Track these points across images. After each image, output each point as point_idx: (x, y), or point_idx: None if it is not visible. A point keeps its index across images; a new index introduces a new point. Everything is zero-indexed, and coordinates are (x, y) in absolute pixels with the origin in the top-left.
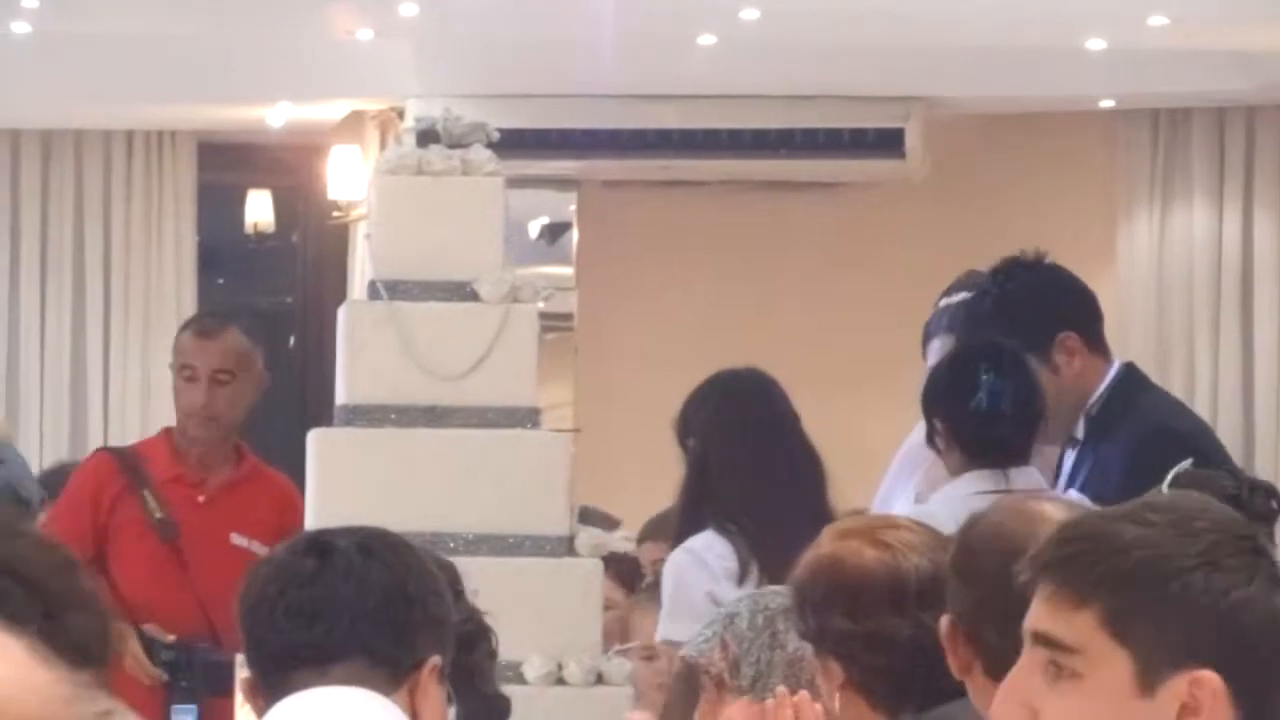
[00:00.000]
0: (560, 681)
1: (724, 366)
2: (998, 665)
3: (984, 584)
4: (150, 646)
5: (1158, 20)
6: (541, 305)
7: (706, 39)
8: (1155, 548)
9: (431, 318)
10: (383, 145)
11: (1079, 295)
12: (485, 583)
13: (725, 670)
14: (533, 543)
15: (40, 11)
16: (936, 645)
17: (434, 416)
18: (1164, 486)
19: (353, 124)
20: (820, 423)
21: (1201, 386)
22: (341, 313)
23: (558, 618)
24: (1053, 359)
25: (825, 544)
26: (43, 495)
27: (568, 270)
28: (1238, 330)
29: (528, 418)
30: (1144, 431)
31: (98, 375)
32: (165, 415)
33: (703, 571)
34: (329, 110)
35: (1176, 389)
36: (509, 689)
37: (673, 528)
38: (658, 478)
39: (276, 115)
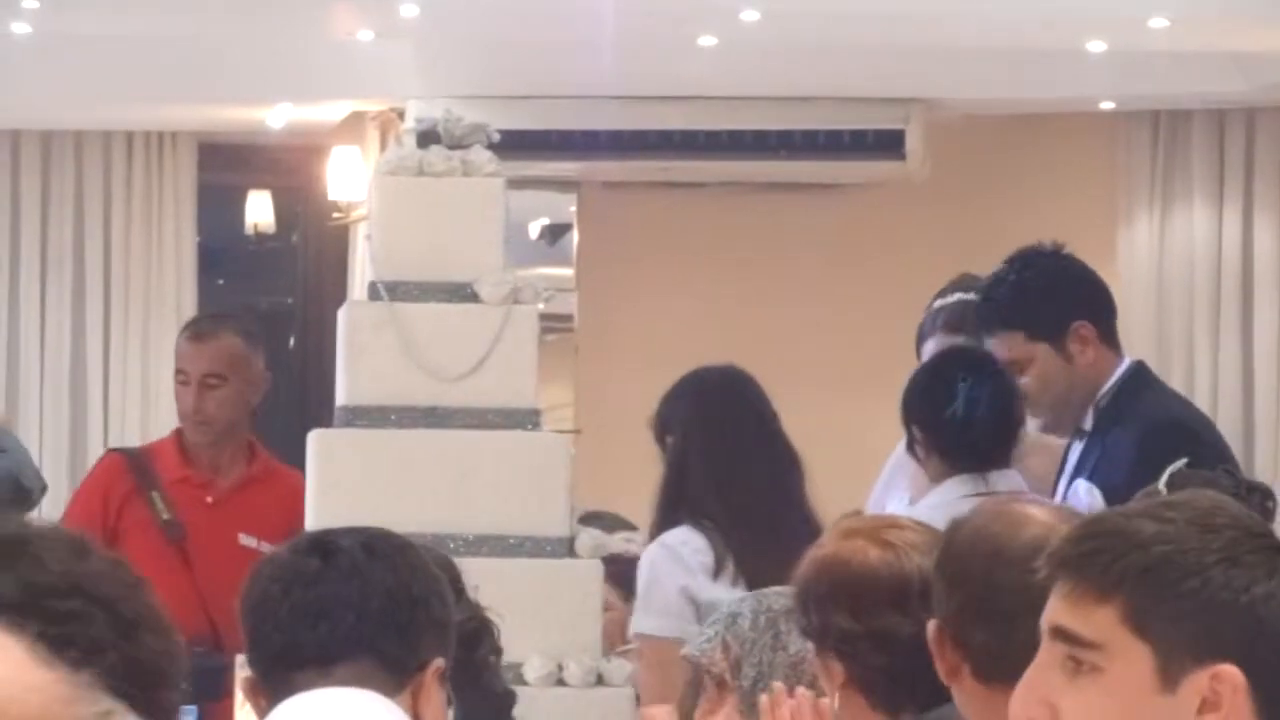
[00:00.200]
0: (560, 682)
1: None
2: (988, 667)
3: (971, 586)
4: None
5: (1158, 22)
6: (542, 306)
7: (707, 40)
8: (1176, 543)
9: (432, 319)
10: (383, 146)
11: (1095, 286)
12: (485, 584)
13: (727, 670)
14: (533, 544)
15: (40, 12)
16: None
17: (434, 417)
18: (1161, 485)
19: (353, 125)
20: (820, 423)
21: (1201, 388)
22: (342, 314)
23: (558, 619)
24: (1067, 347)
25: (829, 543)
26: (43, 485)
27: (568, 271)
28: (1238, 332)
29: (528, 419)
30: (1155, 423)
31: (98, 376)
32: (165, 416)
33: (678, 566)
34: (329, 111)
35: (1176, 390)
36: None
37: (651, 523)
38: (658, 479)
39: (277, 116)
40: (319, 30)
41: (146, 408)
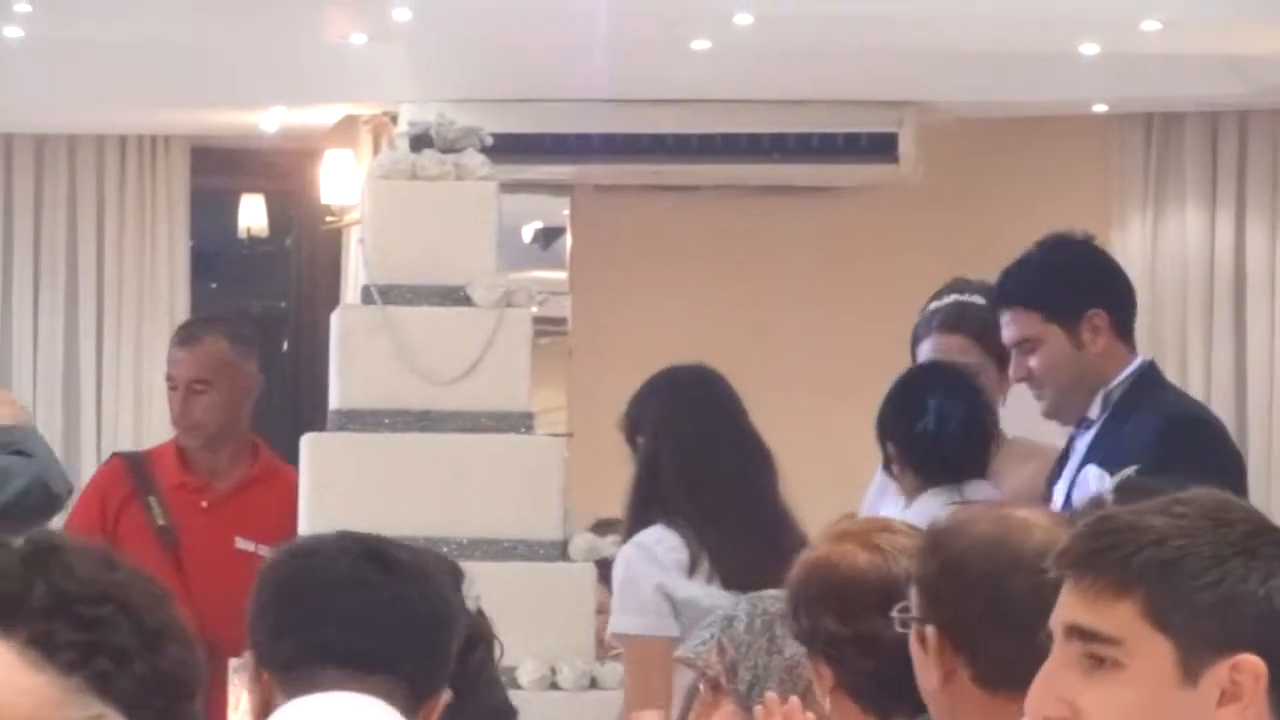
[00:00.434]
0: (554, 686)
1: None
2: (994, 674)
3: (982, 593)
4: None
5: (1151, 25)
6: (535, 310)
7: (700, 44)
8: (1194, 537)
9: (425, 322)
10: (376, 150)
11: (1117, 278)
12: (479, 587)
13: (722, 674)
14: (526, 547)
15: (33, 16)
16: None
17: (427, 421)
18: (1108, 493)
19: (346, 129)
20: (812, 426)
21: (1194, 390)
22: (335, 317)
23: (551, 622)
24: (1079, 334)
25: (820, 546)
26: (69, 486)
27: (561, 275)
28: (1230, 334)
29: (521, 422)
30: (1179, 416)
31: (91, 379)
32: (158, 419)
33: (652, 565)
34: (322, 115)
35: None
36: None
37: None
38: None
39: (270, 120)
40: (312, 34)
41: (139, 411)
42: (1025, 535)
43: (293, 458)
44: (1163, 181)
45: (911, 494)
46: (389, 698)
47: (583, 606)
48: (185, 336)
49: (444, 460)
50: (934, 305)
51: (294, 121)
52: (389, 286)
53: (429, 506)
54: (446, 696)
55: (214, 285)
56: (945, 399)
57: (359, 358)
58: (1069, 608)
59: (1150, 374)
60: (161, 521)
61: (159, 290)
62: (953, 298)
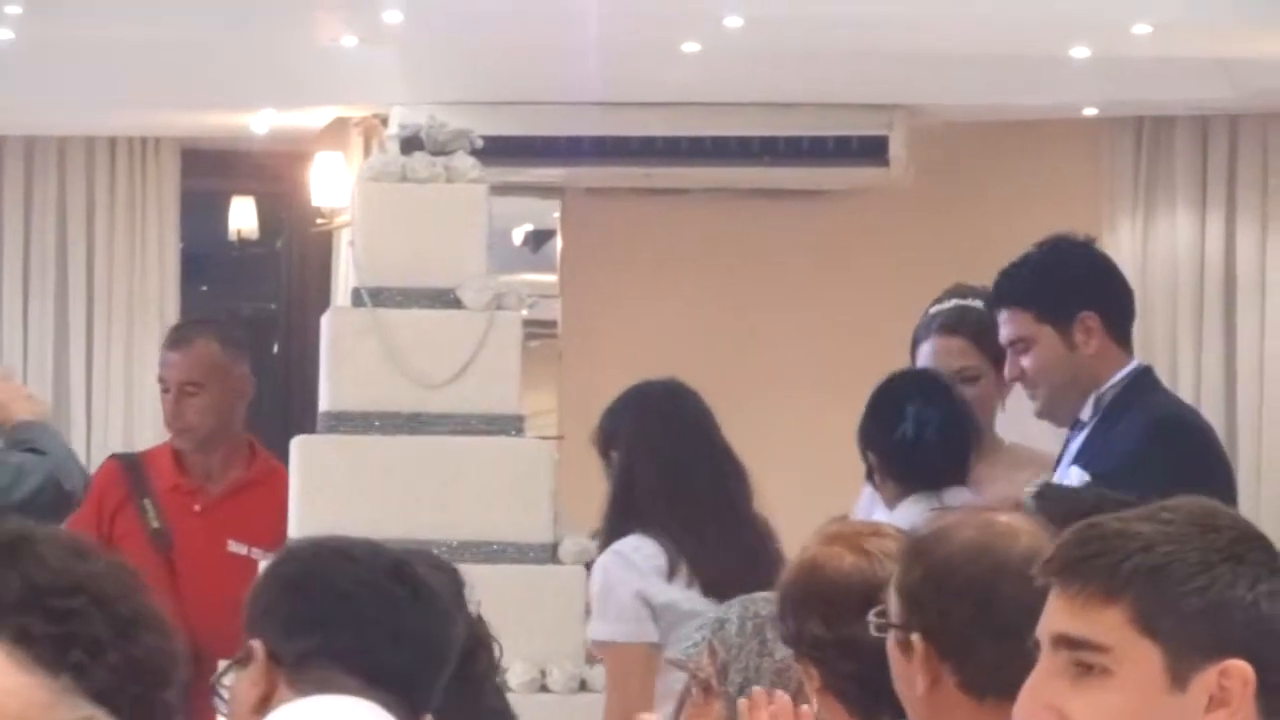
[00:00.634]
0: (544, 689)
1: (706, 373)
2: (982, 681)
3: (969, 600)
4: None
5: (1141, 28)
6: (525, 312)
7: (690, 46)
8: (1181, 543)
9: (415, 325)
10: (366, 152)
11: (1112, 281)
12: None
13: (713, 676)
14: (516, 550)
15: (23, 18)
16: None
17: (417, 423)
18: (1028, 499)
19: (336, 131)
20: (805, 428)
21: (1184, 393)
22: (325, 320)
23: (541, 624)
24: (1072, 335)
25: (810, 548)
26: (87, 479)
27: (551, 277)
28: (1220, 338)
29: (511, 425)
30: (1160, 418)
31: (80, 382)
32: (149, 422)
33: (631, 571)
34: (313, 117)
35: None
36: None
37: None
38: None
39: (260, 122)
40: (303, 36)
41: (130, 413)
42: (1011, 541)
43: (283, 460)
44: (1153, 185)
45: (892, 502)
46: (393, 710)
47: (573, 609)
48: (176, 339)
49: (434, 463)
50: (935, 309)
51: (284, 124)
52: (379, 289)
53: (419, 509)
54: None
55: (204, 287)
56: (923, 406)
57: (349, 360)
58: (1056, 616)
59: (1144, 378)
60: (155, 524)
61: (149, 292)
62: (954, 302)
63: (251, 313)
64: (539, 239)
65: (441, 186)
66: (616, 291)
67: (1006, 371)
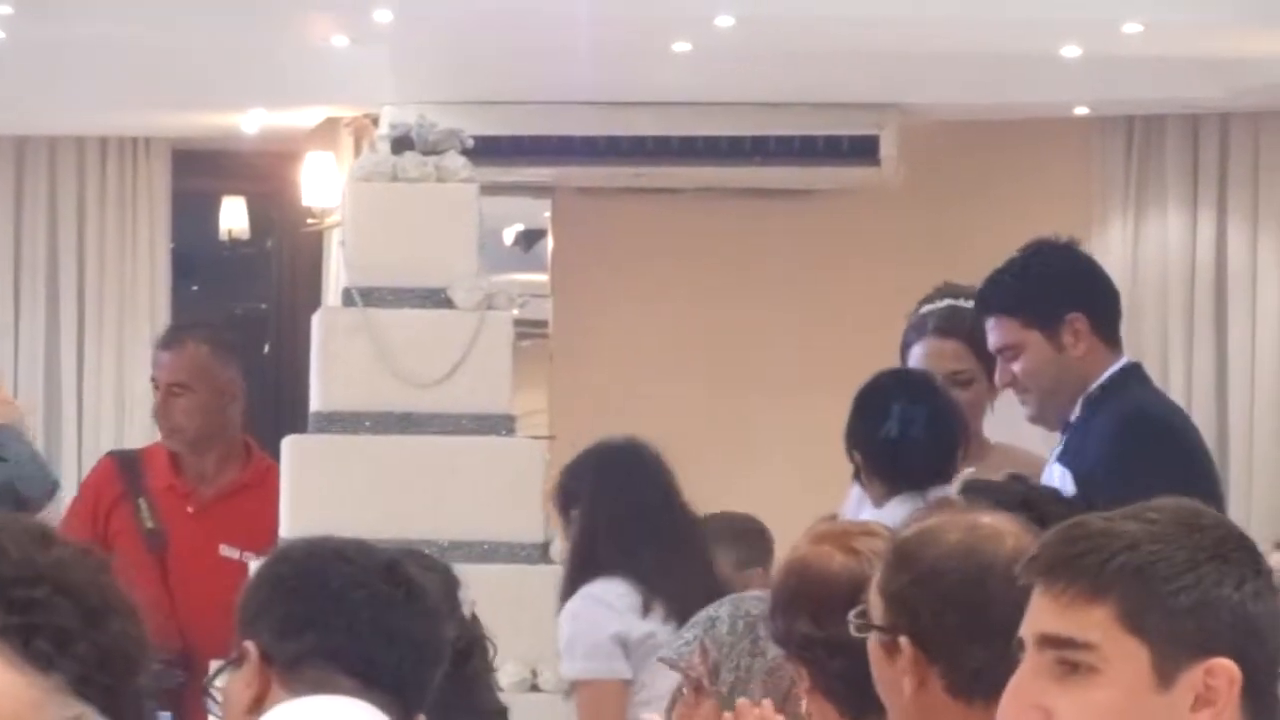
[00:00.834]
0: (534, 688)
1: (697, 372)
2: (969, 683)
3: (959, 603)
4: None
5: (1132, 28)
6: (516, 312)
7: (681, 46)
8: (1167, 542)
9: (406, 324)
10: (357, 152)
11: (1097, 282)
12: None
13: (704, 675)
14: (507, 549)
15: (15, 18)
16: None
17: (408, 423)
18: (954, 494)
19: (327, 131)
20: (794, 428)
21: (1175, 391)
22: (316, 320)
23: (532, 624)
24: (1060, 338)
25: (800, 547)
26: (52, 485)
27: (542, 277)
28: (1211, 336)
29: (502, 424)
30: (1131, 414)
31: (72, 382)
32: (140, 422)
33: (603, 610)
34: (304, 117)
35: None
36: None
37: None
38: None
39: (251, 122)
40: (293, 36)
41: (120, 414)
42: (997, 543)
43: (274, 460)
44: (1144, 184)
45: (879, 501)
46: (386, 711)
47: None
48: (168, 340)
49: (425, 462)
50: (927, 308)
51: (275, 124)
52: (370, 289)
53: (410, 508)
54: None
55: (195, 287)
56: (908, 405)
57: (340, 360)
58: (1041, 615)
59: (1128, 374)
60: (150, 524)
61: (140, 292)
62: (946, 302)
63: (242, 313)
64: (530, 239)
65: (432, 186)
66: (607, 291)
67: (998, 379)
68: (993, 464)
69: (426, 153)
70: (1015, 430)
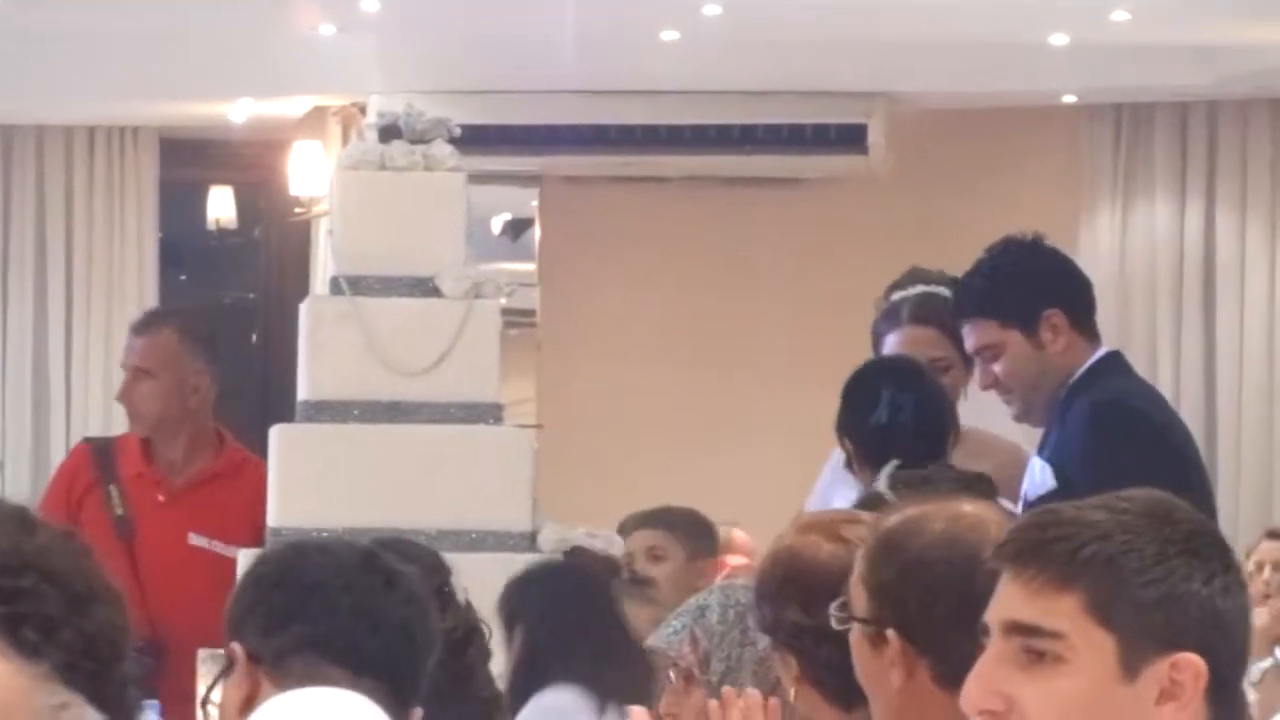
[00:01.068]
0: None
1: (684, 360)
2: (962, 671)
3: (947, 593)
4: None
5: (1120, 15)
6: (504, 301)
7: (669, 34)
8: (1138, 533)
9: (393, 313)
10: (345, 141)
11: (1069, 276)
12: None
13: (695, 664)
14: (495, 538)
15: (1, 7)
16: None
17: (396, 412)
18: (881, 485)
19: (315, 120)
20: (782, 417)
21: (1163, 382)
22: (304, 308)
23: None
24: (1038, 335)
25: (786, 536)
26: None
27: (530, 266)
28: (1200, 325)
29: (490, 413)
30: (1102, 403)
31: (60, 372)
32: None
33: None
34: (291, 106)
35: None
36: None
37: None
38: (620, 473)
39: (239, 111)
40: (281, 25)
41: (108, 403)
42: (982, 531)
43: (262, 449)
44: (1132, 172)
45: (869, 488)
46: (379, 702)
47: None
48: (139, 325)
49: (413, 451)
50: (899, 295)
51: (263, 113)
52: (358, 278)
53: (398, 497)
54: (418, 715)
55: (183, 277)
56: (897, 392)
57: (328, 349)
58: (1009, 602)
59: (1106, 363)
60: (120, 512)
61: (128, 282)
62: (919, 288)
63: (230, 302)
64: (517, 227)
65: (420, 175)
66: (595, 280)
67: (979, 381)
68: (968, 450)
69: (414, 142)
70: (988, 418)
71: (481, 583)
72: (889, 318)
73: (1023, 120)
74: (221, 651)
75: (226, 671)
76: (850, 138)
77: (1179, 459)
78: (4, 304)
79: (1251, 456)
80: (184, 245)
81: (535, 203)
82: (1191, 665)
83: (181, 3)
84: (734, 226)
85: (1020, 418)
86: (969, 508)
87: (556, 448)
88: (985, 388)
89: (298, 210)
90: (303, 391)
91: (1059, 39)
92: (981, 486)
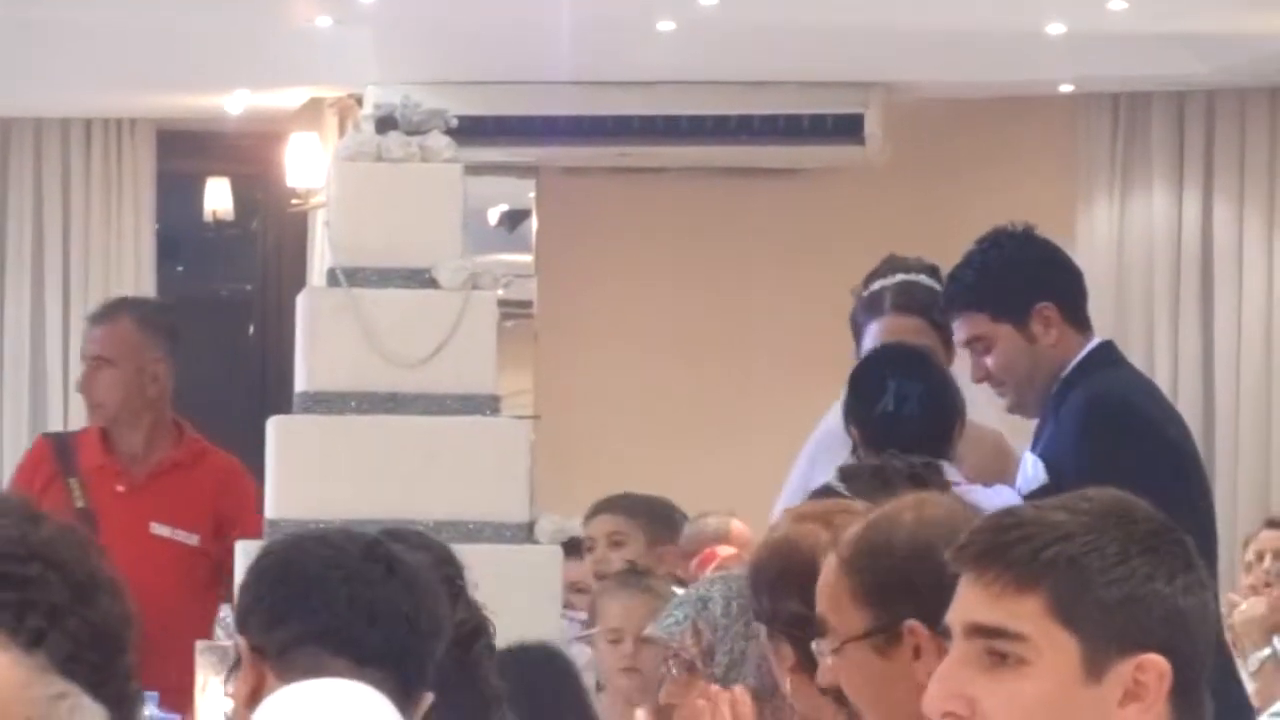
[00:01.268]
0: None
1: (681, 351)
2: None
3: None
4: None
5: (1117, 4)
6: (501, 292)
7: (665, 25)
8: (1099, 534)
9: (390, 305)
10: (341, 132)
11: (1060, 268)
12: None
13: (699, 657)
14: (492, 529)
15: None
16: None
17: (393, 403)
18: (833, 480)
19: (311, 111)
20: (778, 406)
21: (1161, 371)
22: (301, 300)
23: (518, 604)
24: (1030, 328)
25: (782, 527)
26: None
27: (527, 257)
28: (1197, 314)
29: (487, 404)
30: (1088, 397)
31: (57, 364)
32: None
33: None
34: (288, 98)
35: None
36: None
37: None
38: (617, 464)
39: (235, 103)
40: (278, 17)
41: None
42: (945, 508)
43: (259, 440)
44: (1129, 162)
45: None
46: (384, 692)
47: (549, 588)
48: (98, 315)
49: (410, 442)
50: (880, 284)
51: (259, 104)
52: (354, 269)
53: (395, 488)
54: (429, 700)
55: (180, 268)
56: (904, 380)
57: (325, 340)
58: (970, 604)
59: (1100, 354)
60: (80, 504)
61: (125, 273)
62: (899, 277)
63: (227, 293)
64: (514, 219)
65: (417, 166)
66: (592, 271)
67: (972, 374)
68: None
69: (411, 133)
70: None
71: (478, 574)
72: (871, 307)
73: (1020, 110)
74: (218, 643)
75: (235, 665)
76: (847, 128)
77: (1173, 451)
78: (1, 295)
79: (1249, 446)
80: (181, 237)
81: (532, 194)
82: (1155, 666)
83: None
84: (731, 217)
85: (1014, 409)
86: (918, 496)
87: (553, 439)
88: (978, 380)
89: (294, 202)
90: (300, 383)
91: (1056, 28)
92: (930, 474)
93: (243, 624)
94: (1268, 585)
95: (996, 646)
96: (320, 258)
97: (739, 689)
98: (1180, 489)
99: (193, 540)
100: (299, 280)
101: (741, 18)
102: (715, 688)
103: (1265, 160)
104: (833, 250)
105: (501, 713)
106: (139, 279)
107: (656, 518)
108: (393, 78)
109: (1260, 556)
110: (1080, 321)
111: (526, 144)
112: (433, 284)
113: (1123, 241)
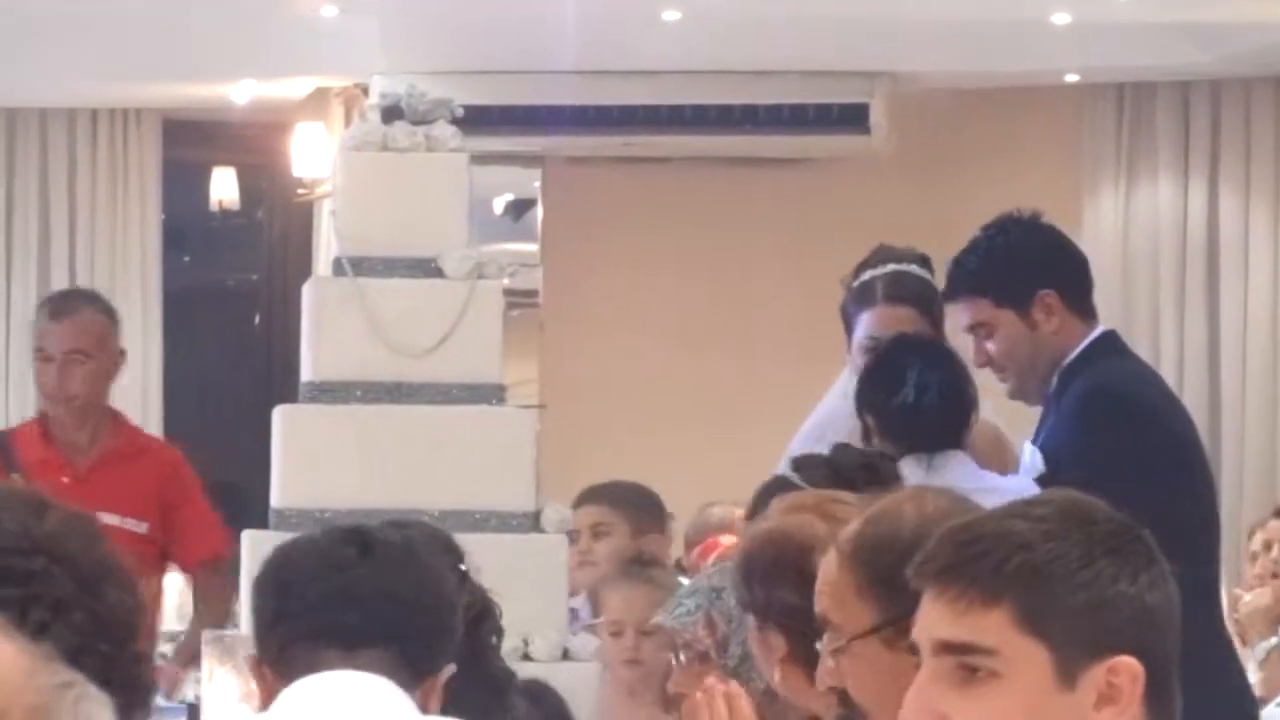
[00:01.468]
0: (526, 657)
1: (686, 340)
2: None
3: None
4: None
5: None
6: (506, 281)
7: (671, 14)
8: (1061, 539)
9: (396, 294)
10: (347, 122)
11: (1065, 255)
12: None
13: (712, 648)
14: (498, 519)
15: None
16: None
17: (399, 393)
18: (788, 471)
19: (317, 101)
20: (783, 396)
21: (1167, 361)
22: (306, 290)
23: (524, 593)
24: (1032, 315)
25: (774, 517)
26: None
27: (532, 246)
28: (1203, 304)
29: (493, 394)
30: (1093, 389)
31: None
32: (127, 392)
33: None
34: (294, 87)
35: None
36: None
37: None
38: (622, 453)
39: (241, 92)
40: (283, 6)
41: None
42: (943, 496)
43: (265, 430)
44: (1135, 152)
45: None
46: (384, 672)
47: (555, 577)
48: (58, 309)
49: (416, 432)
50: (870, 274)
51: (265, 94)
52: (360, 259)
53: (401, 478)
54: (448, 672)
55: (186, 258)
56: (924, 370)
57: (330, 330)
58: (936, 621)
59: (1102, 343)
60: None
61: (131, 264)
62: (890, 267)
63: (233, 283)
64: (520, 208)
65: (422, 156)
66: (597, 260)
67: (974, 359)
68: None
69: (416, 122)
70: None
71: (484, 563)
72: (862, 297)
73: (1025, 100)
74: (227, 631)
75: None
76: (852, 117)
77: (1176, 441)
78: (8, 285)
79: (1255, 435)
80: (187, 227)
81: (538, 183)
82: (1128, 668)
83: None
84: (736, 206)
85: (1015, 395)
86: (915, 488)
87: (559, 428)
88: (980, 365)
89: (300, 191)
90: (305, 372)
91: (1061, 18)
92: (883, 464)
93: (254, 641)
94: (1275, 575)
95: (967, 661)
96: (326, 247)
97: (735, 685)
98: (1183, 480)
99: (141, 528)
100: (305, 270)
101: (746, 7)
102: (711, 680)
103: (1271, 149)
104: (838, 240)
105: (512, 694)
106: (145, 269)
107: (641, 507)
108: (398, 67)
109: (1268, 546)
110: (1084, 310)
111: (532, 133)
112: (438, 273)
113: (1128, 231)
